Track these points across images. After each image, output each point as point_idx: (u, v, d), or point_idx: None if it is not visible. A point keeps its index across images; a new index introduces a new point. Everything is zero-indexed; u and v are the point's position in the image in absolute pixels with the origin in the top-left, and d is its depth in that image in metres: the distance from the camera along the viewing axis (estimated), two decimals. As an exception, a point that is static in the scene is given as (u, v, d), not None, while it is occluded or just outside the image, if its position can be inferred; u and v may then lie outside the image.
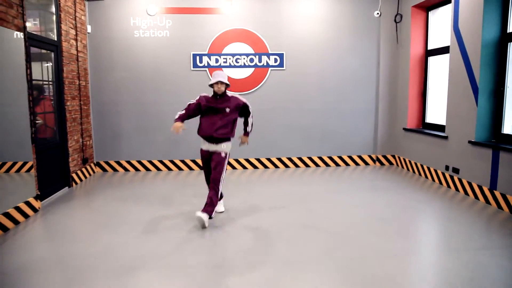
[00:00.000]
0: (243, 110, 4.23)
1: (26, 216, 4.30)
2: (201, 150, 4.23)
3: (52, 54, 5.22)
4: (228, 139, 4.14)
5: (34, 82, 4.75)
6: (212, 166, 4.08)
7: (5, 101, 4.24)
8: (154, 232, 3.88)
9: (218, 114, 4.06)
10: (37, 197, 4.56)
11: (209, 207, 3.95)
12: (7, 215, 3.98)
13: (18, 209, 4.17)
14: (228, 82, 4.06)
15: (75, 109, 5.83)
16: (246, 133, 4.36)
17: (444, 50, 5.88)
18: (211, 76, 6.56)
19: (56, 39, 5.26)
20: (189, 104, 4.19)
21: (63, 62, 5.40)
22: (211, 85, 4.06)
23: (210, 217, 3.98)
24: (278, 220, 4.17)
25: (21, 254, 3.39)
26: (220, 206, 4.43)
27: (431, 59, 6.40)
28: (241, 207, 4.61)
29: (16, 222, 4.11)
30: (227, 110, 4.08)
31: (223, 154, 4.09)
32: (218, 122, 4.04)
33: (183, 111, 4.16)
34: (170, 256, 3.31)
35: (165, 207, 4.68)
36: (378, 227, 3.96)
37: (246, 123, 4.34)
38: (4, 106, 4.24)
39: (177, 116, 4.13)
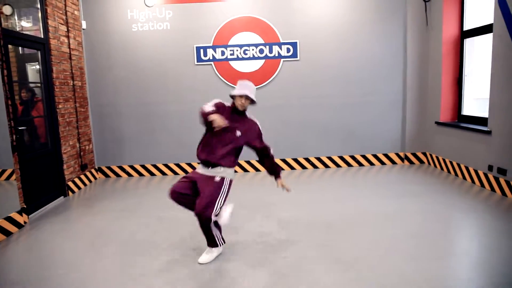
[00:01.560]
0: (259, 149, 3.21)
1: (7, 233, 3.86)
2: (193, 171, 3.24)
3: (39, 53, 4.76)
4: (229, 166, 3.15)
5: (16, 84, 4.32)
6: (200, 191, 3.05)
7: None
8: (146, 253, 3.33)
9: (226, 133, 3.07)
10: (22, 211, 4.12)
11: (210, 242, 3.16)
12: (-16, 234, 3.55)
13: (-3, 226, 3.73)
14: (254, 99, 3.10)
15: (70, 112, 5.37)
16: (278, 176, 3.29)
17: (484, 30, 5.03)
18: (217, 70, 6.03)
19: (42, 36, 4.80)
20: (210, 105, 3.14)
21: (52, 62, 4.93)
22: (233, 96, 3.13)
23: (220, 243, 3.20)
24: (286, 241, 3.52)
25: (-13, 284, 2.93)
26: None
27: (468, 41, 5.54)
28: (247, 227, 3.99)
29: (-5, 241, 3.68)
30: (238, 133, 3.10)
31: (217, 179, 3.06)
32: (219, 146, 3.08)
33: (212, 108, 3.08)
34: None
35: (166, 222, 4.14)
36: (412, 247, 3.23)
37: (269, 164, 3.28)
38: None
39: (209, 110, 3.03)
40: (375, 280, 2.72)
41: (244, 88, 3.08)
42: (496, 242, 3.30)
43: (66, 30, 5.32)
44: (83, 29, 5.88)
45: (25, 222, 4.17)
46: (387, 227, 3.71)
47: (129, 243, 3.60)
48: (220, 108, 3.12)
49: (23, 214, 4.15)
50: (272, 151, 3.27)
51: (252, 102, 3.12)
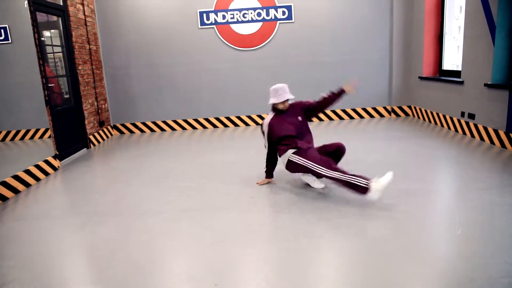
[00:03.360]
0: (311, 108, 3.73)
1: (46, 173, 4.58)
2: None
3: (60, 19, 5.31)
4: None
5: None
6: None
7: (26, 71, 4.48)
8: (165, 183, 4.04)
9: (299, 126, 3.62)
10: (55, 157, 4.82)
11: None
12: (28, 172, 4.25)
13: (38, 167, 4.44)
14: (292, 96, 3.58)
15: (88, 73, 5.99)
16: (340, 93, 3.85)
17: (461, -11, 5.51)
18: (219, 33, 6.56)
19: (62, 4, 5.34)
20: (266, 146, 3.72)
21: (71, 27, 5.49)
22: (275, 104, 3.60)
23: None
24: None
25: (40, 204, 3.66)
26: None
27: (448, 0, 6.02)
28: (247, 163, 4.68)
29: (37, 179, 4.39)
30: (300, 118, 3.65)
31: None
32: (307, 136, 3.65)
33: (266, 163, 3.75)
34: (178, 202, 3.46)
35: (178, 161, 4.84)
36: (386, 171, 3.92)
37: (325, 100, 3.75)
38: (25, 76, 4.49)
39: (265, 170, 3.77)
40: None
41: (281, 94, 3.54)
42: (459, 169, 4.00)
43: (80, -3, 5.84)
44: (95, -4, 6.40)
45: (58, 167, 4.88)
46: (369, 158, 4.40)
47: (149, 176, 4.31)
48: (272, 124, 3.57)
49: (57, 159, 4.85)
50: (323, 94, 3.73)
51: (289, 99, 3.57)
